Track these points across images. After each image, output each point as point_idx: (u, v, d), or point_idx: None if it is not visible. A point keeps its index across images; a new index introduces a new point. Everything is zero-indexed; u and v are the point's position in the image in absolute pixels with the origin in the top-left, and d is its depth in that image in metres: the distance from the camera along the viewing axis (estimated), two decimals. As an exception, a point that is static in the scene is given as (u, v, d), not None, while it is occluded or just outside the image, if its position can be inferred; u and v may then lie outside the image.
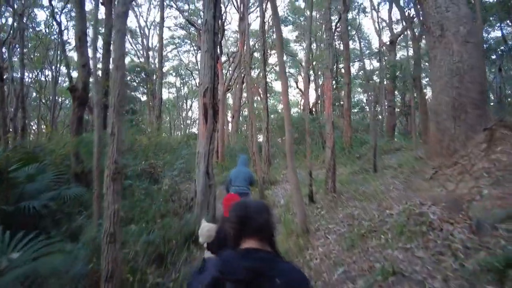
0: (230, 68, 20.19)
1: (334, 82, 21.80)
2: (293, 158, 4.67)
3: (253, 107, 10.11)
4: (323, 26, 11.09)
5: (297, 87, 31.52)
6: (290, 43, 29.68)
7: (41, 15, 42.62)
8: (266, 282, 1.03)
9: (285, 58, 30.27)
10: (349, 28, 23.26)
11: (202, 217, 3.19)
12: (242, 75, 21.38)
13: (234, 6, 19.91)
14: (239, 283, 1.03)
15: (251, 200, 1.59)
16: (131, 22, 32.32)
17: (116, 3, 6.86)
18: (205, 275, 1.10)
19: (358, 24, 21.02)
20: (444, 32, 5.22)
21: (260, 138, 14.34)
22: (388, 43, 18.12)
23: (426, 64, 17.99)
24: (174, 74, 34.11)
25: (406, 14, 13.36)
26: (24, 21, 15.16)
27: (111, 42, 7.45)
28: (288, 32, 28.95)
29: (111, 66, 5.61)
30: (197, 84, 29.76)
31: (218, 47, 19.47)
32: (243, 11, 14.88)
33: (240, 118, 22.98)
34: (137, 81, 19.48)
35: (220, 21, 20.45)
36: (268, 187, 9.02)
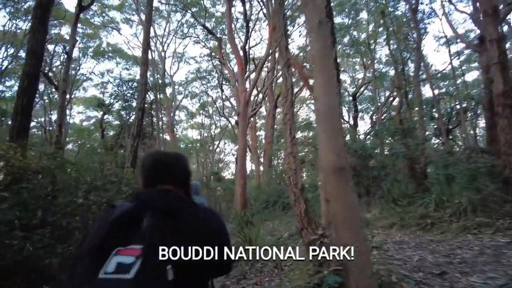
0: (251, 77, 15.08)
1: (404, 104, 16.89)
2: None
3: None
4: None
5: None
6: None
7: None
8: (187, 216, 0.99)
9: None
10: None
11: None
12: (275, 96, 17.14)
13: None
14: (159, 214, 0.94)
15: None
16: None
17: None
18: (114, 211, 0.97)
19: (424, 31, 16.21)
20: None
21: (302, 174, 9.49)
22: (477, 41, 13.12)
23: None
24: (203, 112, 30.85)
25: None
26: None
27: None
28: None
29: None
30: (228, 122, 25.64)
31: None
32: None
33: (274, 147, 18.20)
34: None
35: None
36: None
